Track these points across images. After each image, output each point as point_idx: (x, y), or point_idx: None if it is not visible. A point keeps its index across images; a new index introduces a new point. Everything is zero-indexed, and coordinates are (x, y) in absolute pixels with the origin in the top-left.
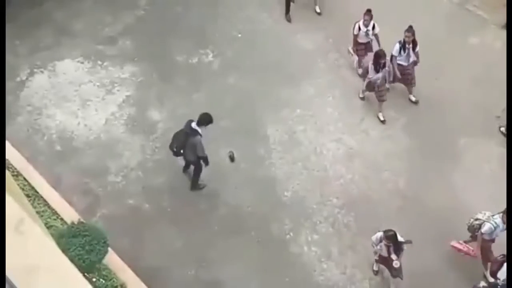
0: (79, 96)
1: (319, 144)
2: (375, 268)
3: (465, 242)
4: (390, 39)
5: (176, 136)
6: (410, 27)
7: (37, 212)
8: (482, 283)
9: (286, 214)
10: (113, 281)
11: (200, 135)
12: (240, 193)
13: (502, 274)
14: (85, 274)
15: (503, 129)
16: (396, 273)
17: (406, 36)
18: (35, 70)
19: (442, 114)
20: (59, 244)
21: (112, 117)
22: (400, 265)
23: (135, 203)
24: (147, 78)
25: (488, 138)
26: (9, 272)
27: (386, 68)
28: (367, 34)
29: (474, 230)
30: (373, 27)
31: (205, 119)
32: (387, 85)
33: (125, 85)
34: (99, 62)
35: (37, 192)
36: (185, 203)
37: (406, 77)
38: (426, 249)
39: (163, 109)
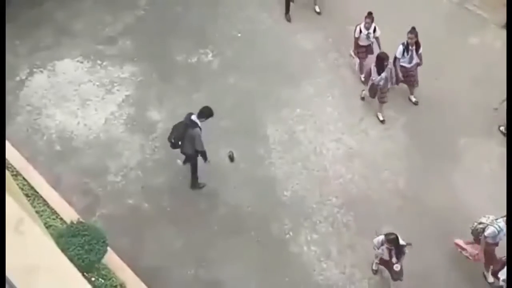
0: (79, 96)
1: (319, 144)
2: (374, 267)
3: (468, 243)
4: (390, 39)
5: (175, 127)
6: (413, 28)
7: (37, 212)
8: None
9: (285, 213)
10: (113, 280)
11: (200, 128)
12: (239, 193)
13: (503, 274)
14: (85, 273)
15: (502, 128)
16: (397, 276)
17: (409, 38)
18: (34, 70)
19: (442, 114)
20: (58, 243)
21: (111, 116)
22: (401, 268)
23: (135, 203)
24: (147, 78)
25: (488, 138)
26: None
27: (388, 66)
28: (368, 36)
29: (477, 233)
30: (374, 30)
31: (206, 112)
32: (389, 86)
33: (124, 85)
34: (99, 62)
35: (37, 192)
36: (184, 203)
37: (409, 78)
38: (426, 249)
39: (162, 109)
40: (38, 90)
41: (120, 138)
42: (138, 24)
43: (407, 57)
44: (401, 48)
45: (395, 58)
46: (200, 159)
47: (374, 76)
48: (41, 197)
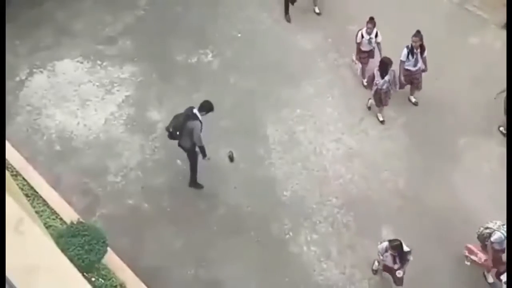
0: (79, 96)
1: (319, 144)
2: (375, 267)
3: (479, 248)
4: (390, 39)
5: (175, 117)
6: (418, 32)
7: (37, 212)
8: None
9: (285, 214)
10: (112, 280)
11: (200, 121)
12: (239, 193)
13: (505, 276)
14: (84, 273)
15: (502, 128)
16: (400, 282)
17: (413, 41)
18: (34, 70)
19: (442, 114)
20: (58, 243)
21: (111, 117)
22: (403, 274)
23: (135, 203)
24: (147, 78)
25: (488, 138)
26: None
27: (392, 69)
28: (370, 42)
29: (484, 239)
30: (376, 35)
31: (206, 106)
32: (392, 92)
33: (124, 85)
34: (99, 62)
35: (37, 192)
36: (184, 203)
37: (413, 81)
38: (425, 248)
39: (162, 109)
40: (38, 90)
41: (120, 138)
42: (138, 24)
43: (412, 60)
44: (405, 51)
45: (400, 61)
46: (199, 157)
47: (378, 80)
48: (41, 197)
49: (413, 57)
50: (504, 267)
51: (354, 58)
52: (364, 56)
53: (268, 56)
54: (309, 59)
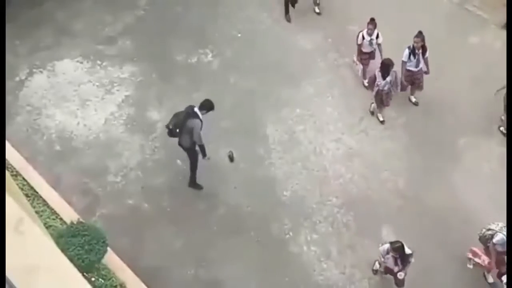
0: (78, 96)
1: (319, 143)
2: (375, 267)
3: (483, 251)
4: (390, 39)
5: (175, 115)
6: (420, 32)
7: (36, 212)
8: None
9: (285, 213)
10: (112, 280)
11: (201, 120)
12: (239, 193)
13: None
14: (84, 273)
15: (502, 128)
16: (401, 283)
17: (415, 42)
18: (34, 70)
19: (442, 114)
20: (58, 243)
21: (111, 117)
22: (405, 276)
23: (135, 203)
24: (147, 78)
25: (488, 137)
26: (9, 272)
27: (393, 70)
28: (371, 43)
29: (486, 240)
30: (377, 36)
31: (206, 105)
32: (393, 93)
33: (124, 85)
34: (98, 62)
35: (36, 192)
36: (184, 203)
37: (414, 81)
38: (425, 248)
39: (162, 109)
40: (38, 90)
41: (120, 138)
42: (138, 24)
43: (413, 60)
44: (407, 51)
45: (402, 61)
46: (199, 156)
47: (379, 81)
48: (41, 197)
49: (414, 57)
50: (504, 265)
51: (355, 59)
52: (365, 57)
53: (268, 56)
54: (309, 59)
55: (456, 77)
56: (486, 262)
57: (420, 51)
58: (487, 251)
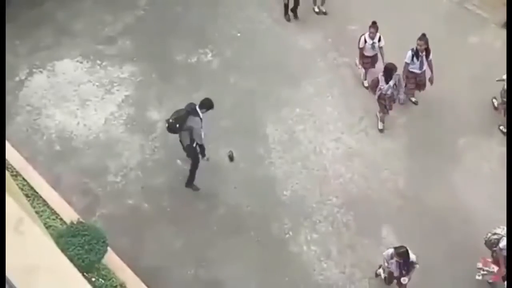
0: (78, 96)
1: (319, 143)
2: (378, 273)
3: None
4: (390, 39)
5: (176, 111)
6: (423, 35)
7: (36, 212)
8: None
9: (285, 213)
10: (112, 280)
11: (201, 118)
12: (239, 192)
13: None
14: (85, 273)
15: (502, 127)
16: (403, 286)
17: (418, 44)
18: (34, 70)
19: (442, 113)
20: (58, 243)
21: (111, 117)
22: (408, 281)
23: (135, 203)
24: (147, 78)
25: (488, 137)
26: (9, 272)
27: (396, 73)
28: (373, 46)
29: (491, 244)
30: (379, 40)
31: (206, 104)
32: (395, 98)
33: (124, 85)
34: (98, 62)
35: (36, 192)
36: (184, 203)
37: (419, 83)
38: (425, 248)
39: (162, 108)
40: (37, 90)
41: (120, 138)
42: (138, 24)
43: (417, 63)
44: (409, 53)
45: (405, 63)
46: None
47: (382, 85)
48: (41, 197)
49: (418, 60)
50: None
51: (357, 62)
52: (367, 61)
53: (268, 56)
54: (309, 59)
55: (456, 77)
56: (495, 270)
57: (424, 53)
58: (495, 259)
